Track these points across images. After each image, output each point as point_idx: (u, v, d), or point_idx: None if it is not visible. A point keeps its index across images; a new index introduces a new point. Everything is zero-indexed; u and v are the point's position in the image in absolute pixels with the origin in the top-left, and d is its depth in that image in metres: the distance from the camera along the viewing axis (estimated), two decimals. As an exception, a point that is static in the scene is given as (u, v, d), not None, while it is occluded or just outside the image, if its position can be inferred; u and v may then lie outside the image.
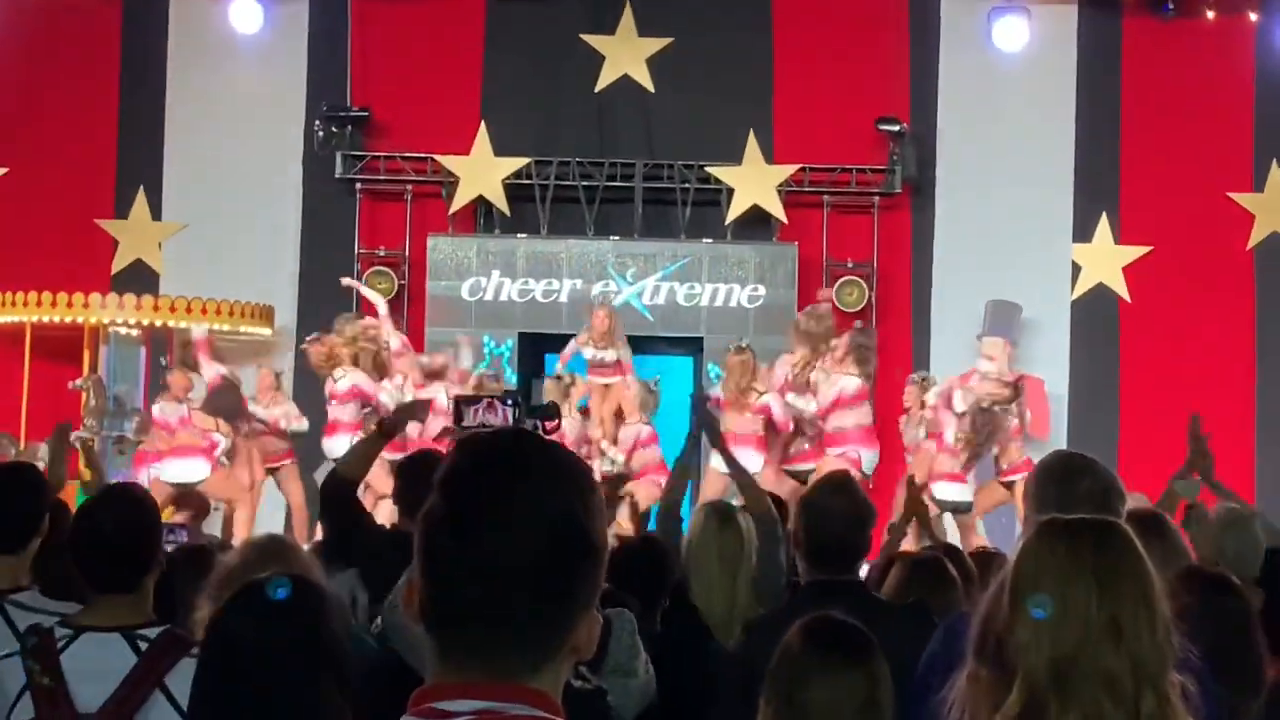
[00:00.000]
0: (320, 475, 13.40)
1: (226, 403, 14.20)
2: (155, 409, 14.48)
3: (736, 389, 14.01)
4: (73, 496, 8.86)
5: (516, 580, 1.91)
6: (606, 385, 14.78)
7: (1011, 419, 14.31)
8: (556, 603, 1.94)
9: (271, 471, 14.62)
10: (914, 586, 5.26)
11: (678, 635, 5.23)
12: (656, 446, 14.19)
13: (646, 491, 13.35)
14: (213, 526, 13.18)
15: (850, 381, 14.03)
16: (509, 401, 6.39)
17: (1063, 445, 15.07)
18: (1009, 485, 14.02)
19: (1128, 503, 4.14)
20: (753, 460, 13.18)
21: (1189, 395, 16.61)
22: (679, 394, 13.96)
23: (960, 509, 13.82)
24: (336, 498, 5.87)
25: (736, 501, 6.17)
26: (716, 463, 13.48)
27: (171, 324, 16.31)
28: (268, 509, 14.43)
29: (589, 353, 14.93)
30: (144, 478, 13.96)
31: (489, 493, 1.94)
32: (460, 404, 6.77)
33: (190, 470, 13.92)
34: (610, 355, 14.85)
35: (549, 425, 9.32)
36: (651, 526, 12.35)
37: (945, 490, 13.70)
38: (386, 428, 6.25)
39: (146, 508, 4.15)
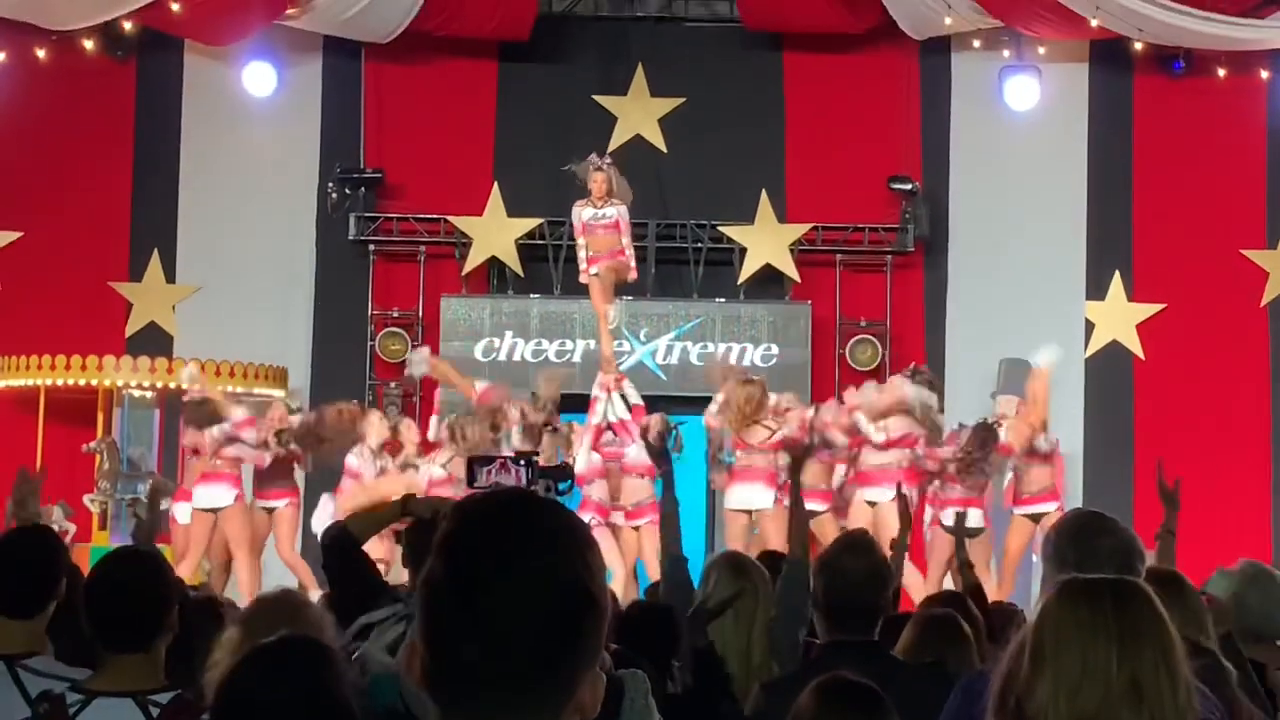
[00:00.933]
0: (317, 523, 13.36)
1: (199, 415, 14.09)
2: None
3: (740, 419, 13.60)
4: (86, 559, 8.86)
5: (519, 641, 1.92)
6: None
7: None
8: (560, 663, 1.94)
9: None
10: (928, 644, 5.23)
11: (696, 696, 5.19)
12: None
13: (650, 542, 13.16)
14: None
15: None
16: (521, 462, 6.38)
17: (1078, 503, 15.04)
18: (1035, 518, 13.51)
19: (1146, 561, 4.12)
20: (763, 496, 13.05)
21: (1204, 453, 16.65)
22: (693, 453, 13.92)
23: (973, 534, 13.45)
24: (338, 550, 5.83)
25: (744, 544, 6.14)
26: (733, 501, 13.40)
27: (185, 386, 16.33)
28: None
29: (588, 214, 14.54)
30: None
31: (489, 554, 1.94)
32: (473, 464, 6.74)
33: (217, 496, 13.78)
34: (610, 212, 14.50)
35: (560, 486, 9.32)
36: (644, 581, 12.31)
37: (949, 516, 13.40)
38: (411, 507, 6.21)
39: (160, 567, 4.16)
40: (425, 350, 15.45)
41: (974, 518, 13.39)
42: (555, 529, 1.98)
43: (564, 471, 8.09)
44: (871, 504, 13.15)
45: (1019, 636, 2.77)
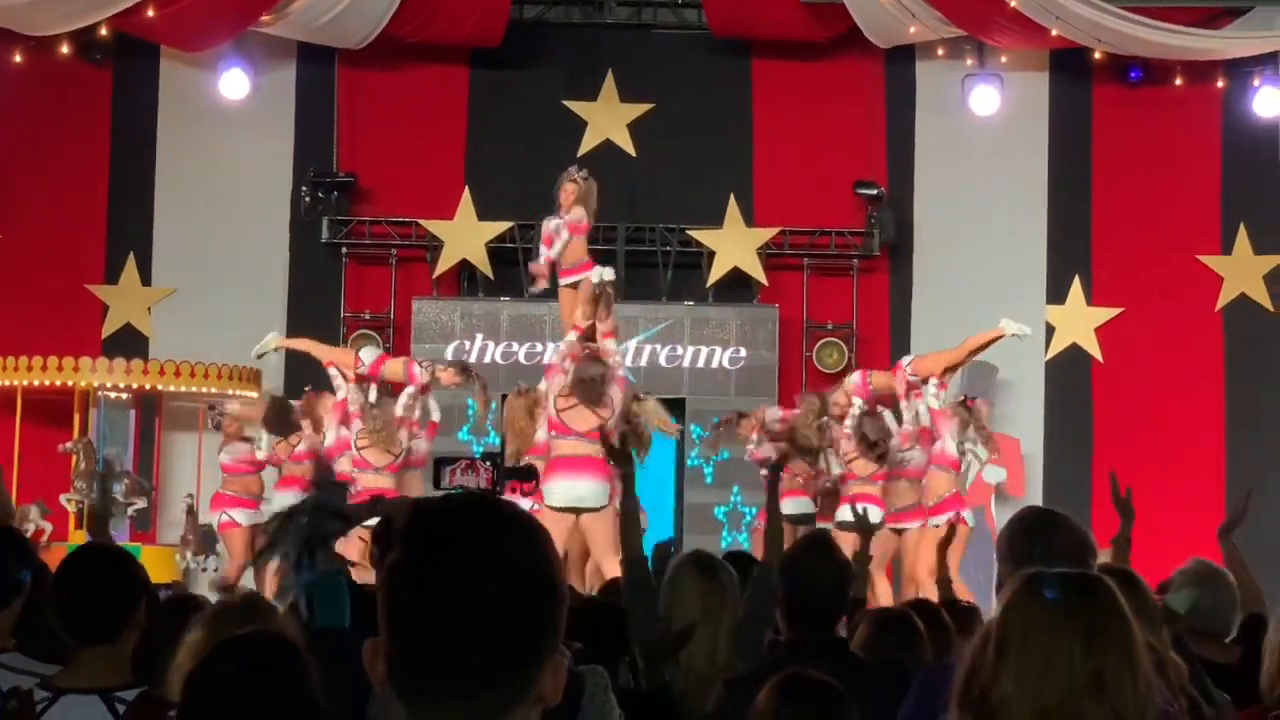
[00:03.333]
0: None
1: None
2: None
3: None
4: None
5: (481, 630, 1.92)
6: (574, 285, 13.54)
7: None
8: (522, 651, 1.95)
9: None
10: (882, 642, 5.32)
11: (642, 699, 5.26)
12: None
13: None
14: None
15: None
16: (487, 462, 6.48)
17: (1038, 502, 15.30)
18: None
19: (1099, 559, 4.29)
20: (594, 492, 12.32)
21: (1161, 454, 16.95)
22: (661, 457, 14.07)
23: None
24: None
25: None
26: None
27: (161, 387, 16.52)
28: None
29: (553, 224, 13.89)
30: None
31: (448, 544, 1.95)
32: (439, 464, 6.86)
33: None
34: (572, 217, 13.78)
35: (526, 487, 9.46)
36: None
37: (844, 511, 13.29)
38: (383, 506, 6.30)
39: (126, 561, 4.23)
40: (273, 333, 15.34)
41: (873, 514, 13.63)
42: (514, 520, 2.00)
43: (529, 472, 8.27)
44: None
45: (983, 628, 2.83)
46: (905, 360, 14.63)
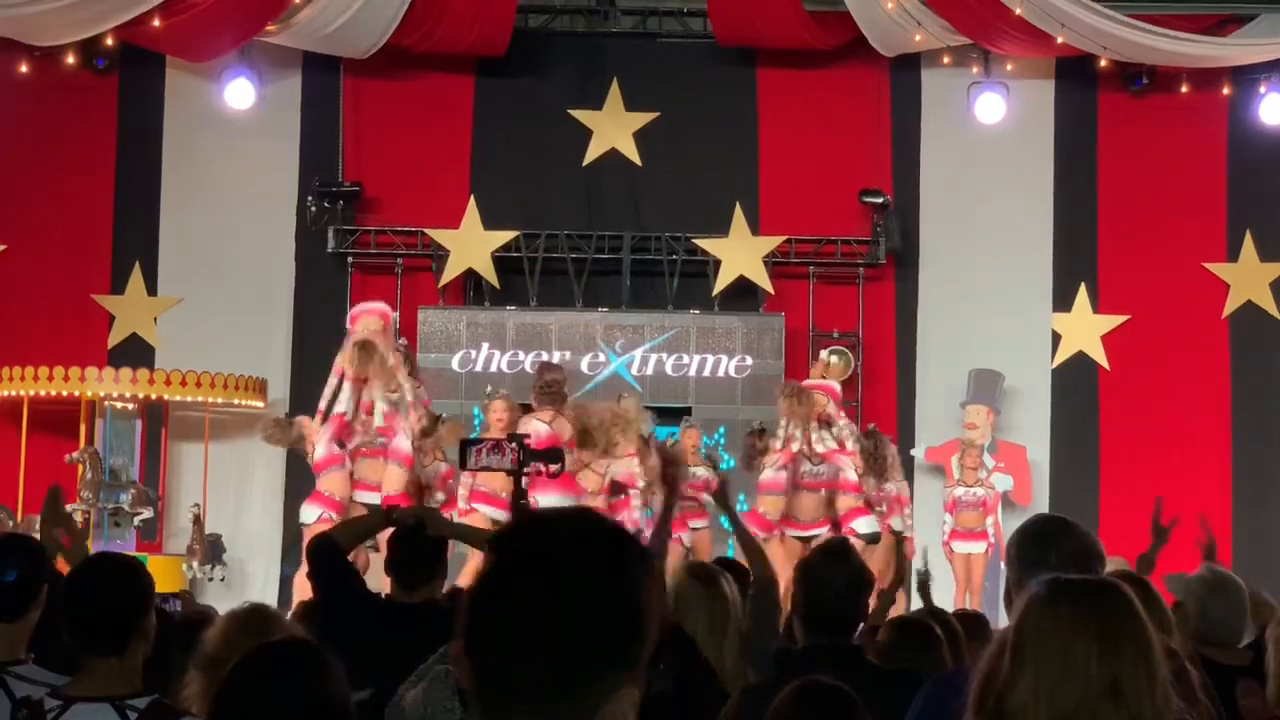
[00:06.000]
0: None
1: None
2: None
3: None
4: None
5: (550, 648, 1.91)
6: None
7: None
8: (592, 673, 1.93)
9: None
10: (900, 648, 5.35)
11: (680, 695, 5.29)
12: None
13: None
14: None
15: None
16: (514, 443, 6.44)
17: (1044, 510, 15.31)
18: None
19: (1107, 566, 4.28)
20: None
21: (1167, 461, 16.94)
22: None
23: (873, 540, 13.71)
24: (325, 559, 5.87)
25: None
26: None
27: (167, 397, 16.53)
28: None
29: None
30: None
31: (533, 557, 1.96)
32: (465, 446, 6.82)
33: None
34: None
35: (551, 469, 9.39)
36: None
37: (863, 525, 13.66)
38: (396, 516, 6.29)
39: (136, 571, 4.20)
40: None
41: (865, 524, 13.72)
42: (608, 540, 1.99)
43: (555, 454, 8.18)
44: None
45: (998, 636, 2.82)
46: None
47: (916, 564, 13.01)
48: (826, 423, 14.24)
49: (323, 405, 13.30)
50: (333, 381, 13.47)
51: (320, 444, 13.62)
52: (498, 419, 13.42)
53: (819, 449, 13.97)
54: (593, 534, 1.99)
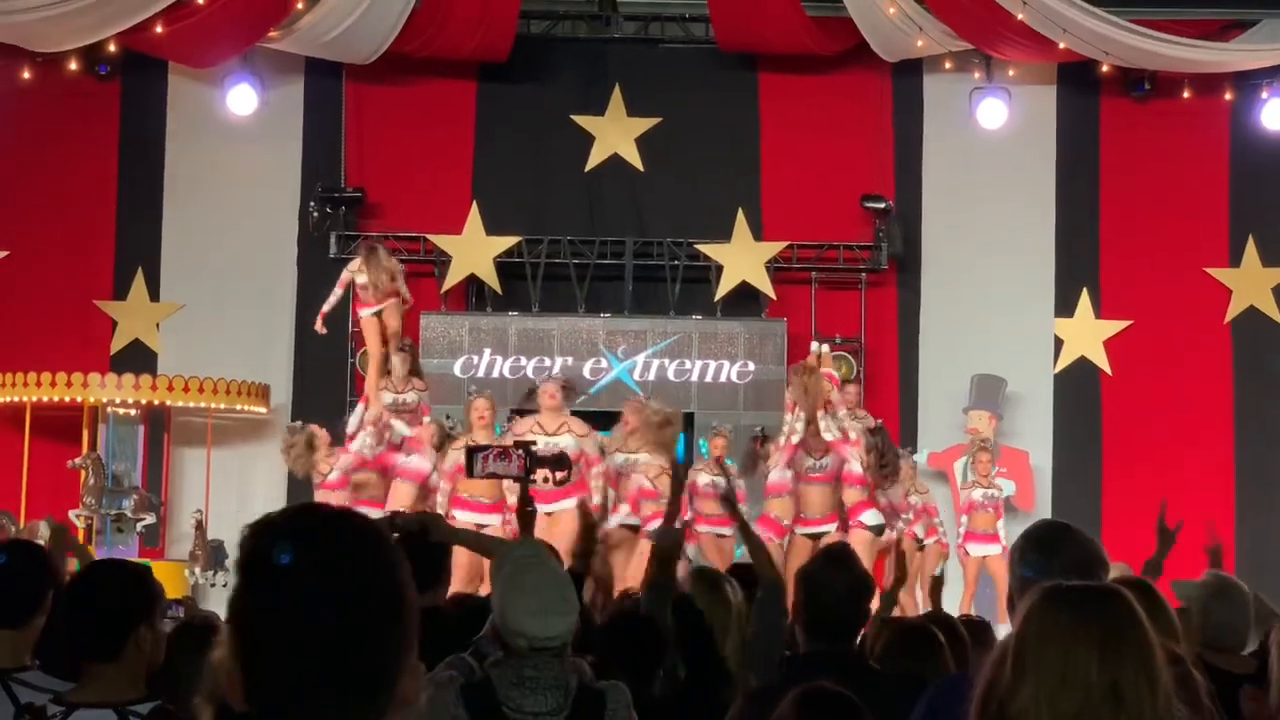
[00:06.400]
0: None
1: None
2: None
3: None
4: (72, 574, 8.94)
5: (336, 651, 1.91)
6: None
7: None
8: (380, 665, 1.94)
9: None
10: (901, 652, 5.34)
11: (694, 689, 5.28)
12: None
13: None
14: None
15: None
16: (520, 450, 6.41)
17: (1047, 515, 15.30)
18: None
19: (1111, 572, 4.28)
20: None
21: (1170, 466, 16.94)
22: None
23: (879, 531, 13.79)
24: None
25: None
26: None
27: (169, 403, 16.54)
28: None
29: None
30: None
31: (292, 569, 1.92)
32: (471, 453, 6.79)
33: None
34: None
35: (558, 475, 9.38)
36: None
37: (870, 517, 13.70)
38: (398, 522, 6.27)
39: (138, 577, 4.18)
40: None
41: (872, 516, 13.71)
42: (351, 533, 1.97)
43: (562, 460, 8.17)
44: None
45: (1002, 642, 2.82)
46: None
47: (935, 570, 13.13)
48: (829, 410, 14.16)
49: (325, 308, 15.03)
50: (338, 291, 15.12)
51: (336, 469, 13.89)
52: (479, 417, 13.68)
53: (826, 437, 13.86)
54: (345, 524, 1.97)
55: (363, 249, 15.43)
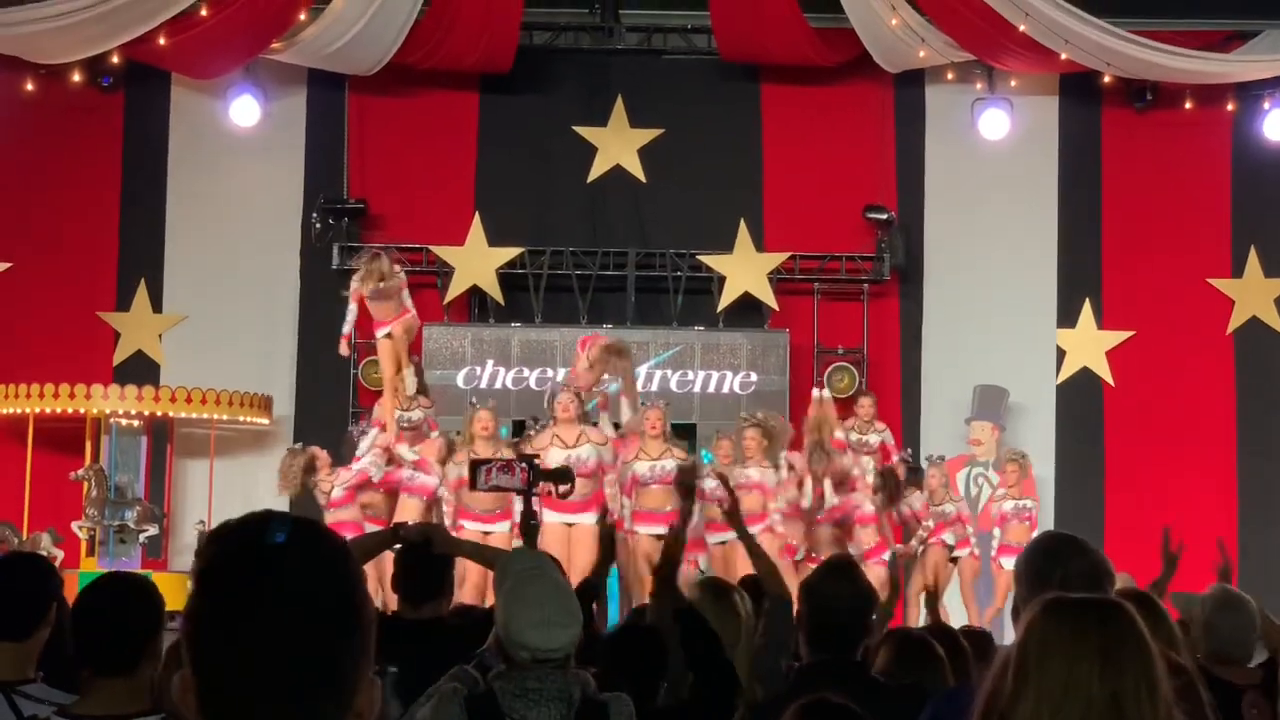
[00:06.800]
0: None
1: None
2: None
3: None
4: (75, 586, 8.96)
5: (290, 665, 1.88)
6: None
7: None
8: (333, 679, 1.90)
9: None
10: (901, 664, 5.34)
11: (705, 699, 5.27)
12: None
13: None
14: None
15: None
16: (523, 463, 6.43)
17: (1050, 526, 15.31)
18: None
19: (1116, 583, 4.28)
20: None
21: (1172, 477, 16.93)
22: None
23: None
24: None
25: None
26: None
27: (172, 414, 16.54)
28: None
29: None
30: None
31: (247, 582, 1.89)
32: (475, 466, 6.81)
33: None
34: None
35: (562, 489, 9.41)
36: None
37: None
38: (404, 534, 6.29)
39: (147, 591, 4.18)
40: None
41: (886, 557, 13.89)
42: (312, 547, 1.94)
43: (565, 474, 8.19)
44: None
45: (1003, 654, 2.82)
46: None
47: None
48: (841, 480, 14.47)
49: (346, 329, 15.15)
50: (353, 307, 15.10)
51: (339, 486, 13.92)
52: (483, 428, 13.72)
53: (834, 501, 14.22)
54: (302, 536, 1.94)
55: (364, 256, 15.43)
